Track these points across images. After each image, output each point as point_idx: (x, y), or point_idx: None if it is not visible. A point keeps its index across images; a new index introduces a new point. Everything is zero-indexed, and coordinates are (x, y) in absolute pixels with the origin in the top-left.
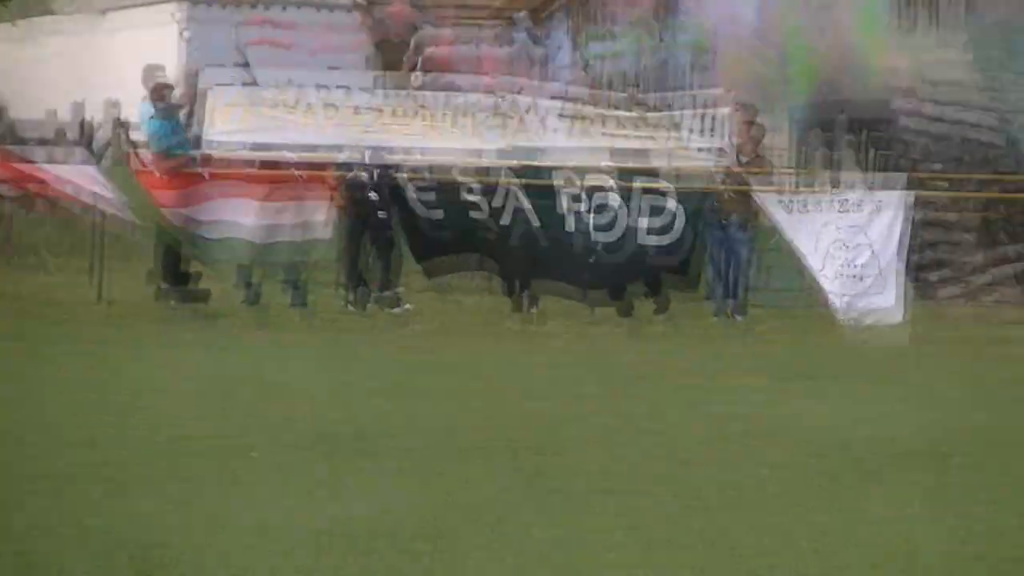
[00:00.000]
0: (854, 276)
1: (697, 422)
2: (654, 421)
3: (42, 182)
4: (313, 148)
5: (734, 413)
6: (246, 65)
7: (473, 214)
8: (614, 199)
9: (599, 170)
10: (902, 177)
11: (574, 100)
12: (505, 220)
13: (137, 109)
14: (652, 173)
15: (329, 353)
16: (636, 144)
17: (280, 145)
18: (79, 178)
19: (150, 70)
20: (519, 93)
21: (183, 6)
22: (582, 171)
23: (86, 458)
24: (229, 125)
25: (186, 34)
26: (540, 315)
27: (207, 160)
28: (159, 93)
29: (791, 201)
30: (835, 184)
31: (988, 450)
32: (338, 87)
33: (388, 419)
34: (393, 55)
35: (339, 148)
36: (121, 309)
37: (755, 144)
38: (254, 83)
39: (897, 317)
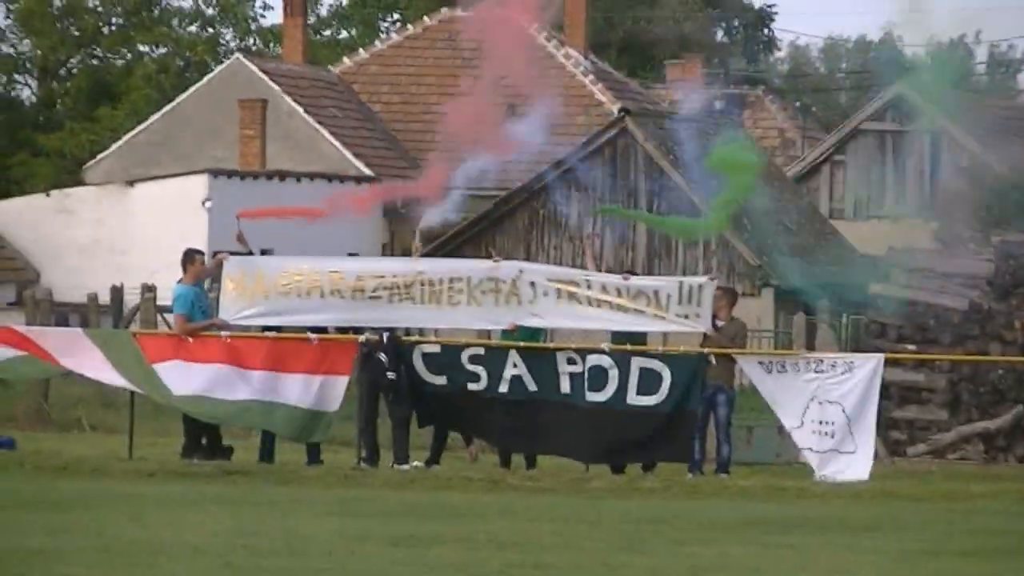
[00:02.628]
0: (826, 434)
1: (684, 571)
2: (642, 570)
3: (47, 354)
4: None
5: (718, 564)
6: (262, 252)
7: (472, 385)
8: (607, 362)
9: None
10: (872, 344)
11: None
12: (503, 388)
13: (163, 275)
14: (641, 340)
15: (343, 508)
16: (619, 309)
17: (290, 318)
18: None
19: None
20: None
21: (204, 179)
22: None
23: None
24: (243, 299)
25: (208, 205)
26: (538, 471)
27: (225, 326)
28: (189, 259)
29: (771, 363)
30: (811, 348)
31: None
32: (348, 255)
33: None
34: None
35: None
36: (150, 466)
37: (729, 309)
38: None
39: (864, 475)
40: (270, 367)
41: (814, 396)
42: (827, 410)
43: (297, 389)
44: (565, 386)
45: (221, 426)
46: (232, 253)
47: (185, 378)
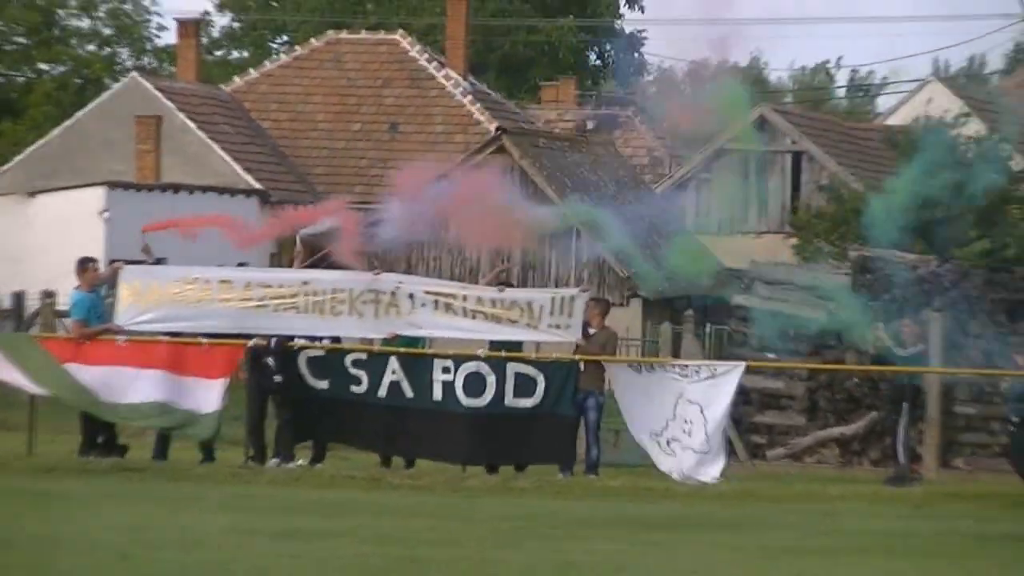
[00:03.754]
0: (685, 433)
1: (555, 567)
2: (516, 566)
3: None
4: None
5: (588, 560)
6: (156, 261)
7: (354, 388)
8: (485, 368)
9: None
10: (735, 353)
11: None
12: (381, 392)
13: (62, 281)
14: (516, 348)
15: (233, 504)
16: (493, 319)
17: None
18: None
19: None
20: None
21: (101, 191)
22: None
23: None
24: (138, 305)
25: (105, 215)
26: (417, 470)
27: (120, 331)
28: (83, 267)
29: (639, 367)
30: (676, 355)
31: None
32: (238, 264)
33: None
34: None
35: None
36: (49, 462)
37: (602, 317)
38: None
39: (716, 474)
40: (163, 368)
41: (679, 396)
42: (687, 409)
43: (182, 391)
44: (438, 393)
45: (117, 425)
46: (128, 262)
47: (86, 379)
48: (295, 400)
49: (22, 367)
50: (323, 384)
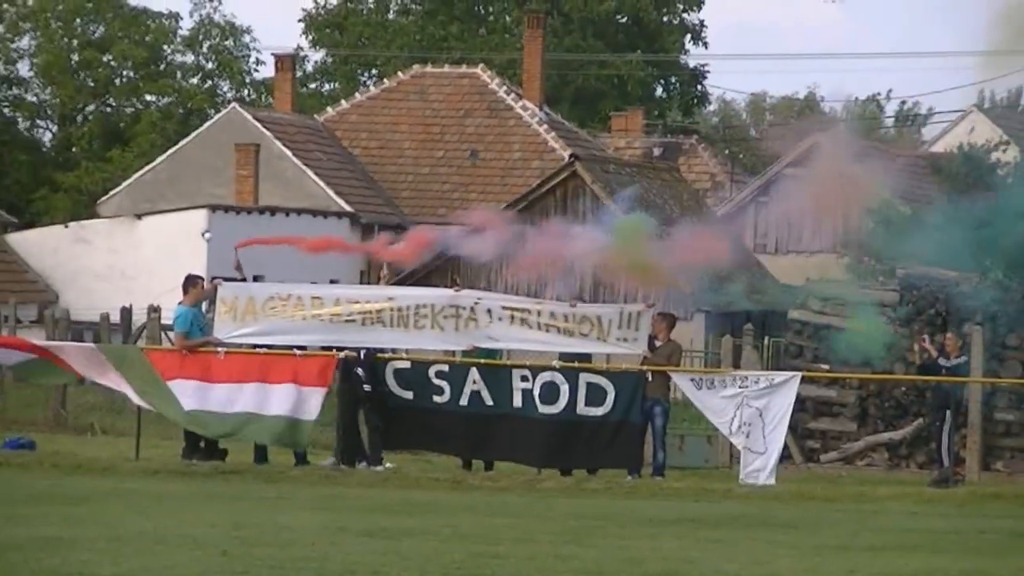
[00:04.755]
0: (745, 434)
1: (623, 562)
2: (588, 561)
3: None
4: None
5: (654, 556)
6: (254, 278)
7: (436, 397)
8: (559, 378)
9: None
10: (791, 364)
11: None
12: (463, 401)
13: (167, 297)
14: (587, 360)
15: (325, 504)
16: (565, 333)
17: (277, 337)
18: (88, 361)
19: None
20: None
21: (203, 213)
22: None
23: None
24: (236, 320)
25: (207, 236)
26: (496, 472)
27: (220, 343)
28: (190, 284)
29: (700, 379)
30: (736, 367)
31: None
32: (330, 281)
33: (375, 555)
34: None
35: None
36: (154, 465)
37: (667, 331)
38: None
39: (771, 476)
40: (259, 380)
41: (739, 405)
42: (746, 413)
43: (280, 401)
44: (517, 400)
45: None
46: (227, 279)
47: (188, 396)
48: (385, 407)
49: (128, 378)
50: (408, 395)
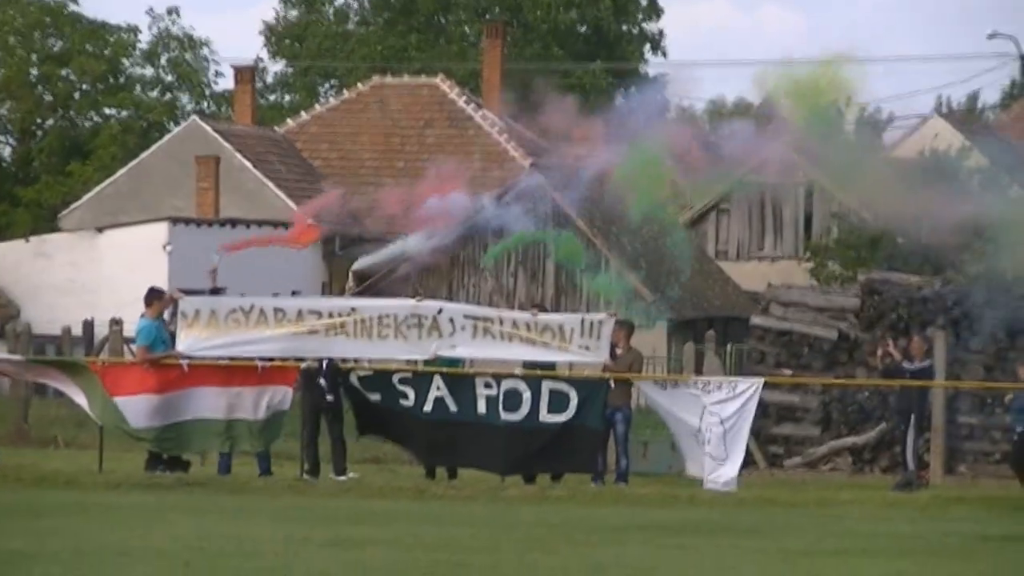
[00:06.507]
0: (708, 443)
1: (587, 569)
2: (553, 569)
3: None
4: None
5: (619, 562)
6: (214, 292)
7: (402, 401)
8: (521, 386)
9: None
10: (753, 370)
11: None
12: (427, 407)
13: (128, 310)
14: (550, 367)
15: (289, 515)
16: (528, 341)
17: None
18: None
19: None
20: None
21: (165, 226)
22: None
23: None
24: (198, 333)
25: (168, 249)
26: (459, 481)
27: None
28: (154, 297)
29: (664, 384)
30: (699, 373)
31: None
32: (292, 293)
33: (340, 565)
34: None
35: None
36: (117, 478)
37: (627, 339)
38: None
39: (732, 482)
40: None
41: (703, 408)
42: (707, 419)
43: (252, 402)
44: (481, 407)
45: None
46: (189, 292)
47: (148, 411)
48: (353, 409)
49: (84, 392)
50: (375, 396)
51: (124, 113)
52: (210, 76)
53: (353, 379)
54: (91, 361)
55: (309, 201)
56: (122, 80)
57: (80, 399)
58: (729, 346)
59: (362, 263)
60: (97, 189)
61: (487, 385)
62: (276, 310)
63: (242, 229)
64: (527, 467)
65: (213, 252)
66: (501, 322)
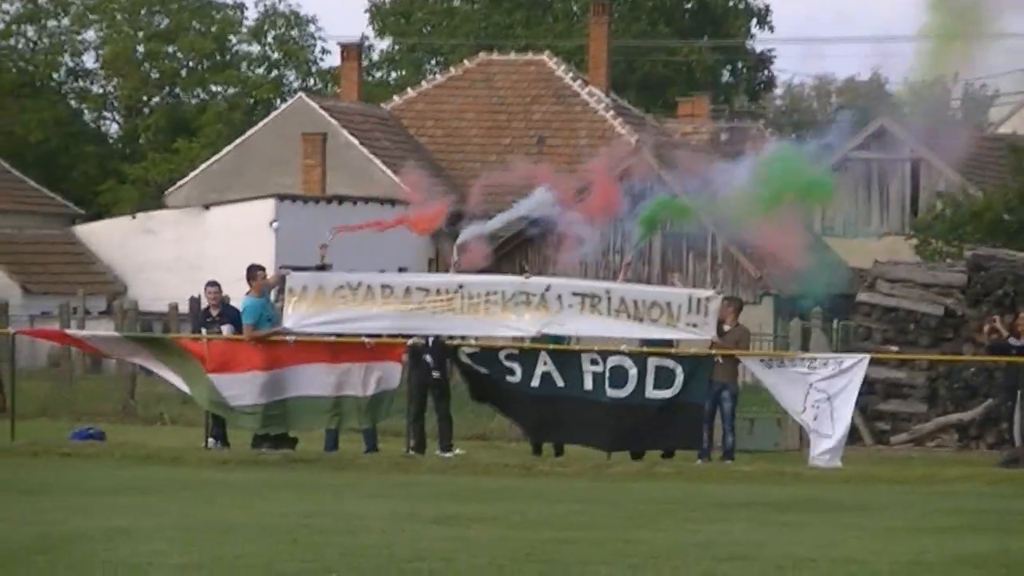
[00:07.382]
0: (814, 420)
1: (693, 546)
2: (657, 546)
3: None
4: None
5: (724, 539)
6: (321, 268)
7: (509, 378)
8: (627, 362)
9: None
10: (859, 347)
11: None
12: (534, 383)
13: (235, 287)
14: (658, 343)
15: (394, 491)
16: (635, 319)
17: (346, 326)
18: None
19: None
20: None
21: (271, 203)
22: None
23: None
24: (305, 310)
25: (275, 226)
26: (565, 458)
27: (289, 333)
28: (252, 275)
29: (770, 361)
30: (805, 350)
31: (929, 569)
32: (399, 270)
33: (445, 542)
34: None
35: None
36: (223, 455)
37: (735, 316)
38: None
39: (837, 458)
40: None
41: (809, 385)
42: (813, 396)
43: (360, 379)
44: (588, 383)
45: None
46: (296, 269)
47: (254, 389)
48: (463, 379)
49: (179, 372)
50: (483, 370)
51: (231, 90)
52: (316, 53)
53: (462, 355)
54: (196, 339)
55: (416, 209)
56: (228, 57)
57: (175, 379)
58: (835, 322)
59: (467, 236)
60: (203, 166)
61: (593, 362)
62: (384, 287)
63: (348, 206)
64: (632, 443)
65: (320, 229)
66: (609, 299)
